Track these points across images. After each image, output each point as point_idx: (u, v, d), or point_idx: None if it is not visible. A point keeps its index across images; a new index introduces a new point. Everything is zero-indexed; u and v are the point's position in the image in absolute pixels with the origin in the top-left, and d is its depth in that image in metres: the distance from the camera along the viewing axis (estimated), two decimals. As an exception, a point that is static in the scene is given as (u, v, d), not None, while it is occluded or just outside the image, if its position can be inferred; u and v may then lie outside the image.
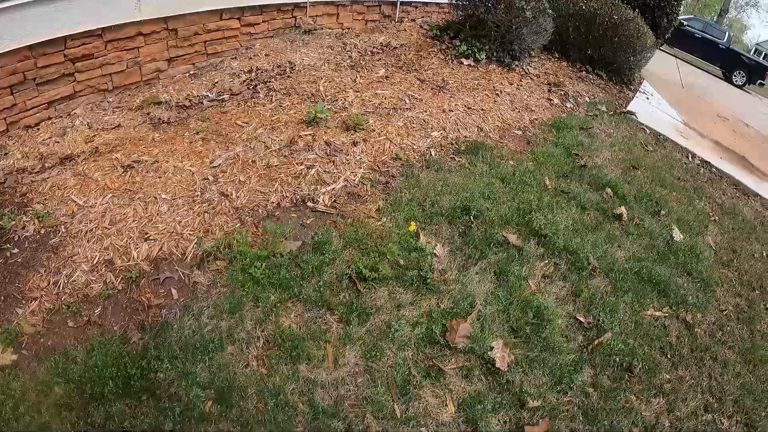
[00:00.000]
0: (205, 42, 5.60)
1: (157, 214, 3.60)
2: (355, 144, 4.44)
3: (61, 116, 4.89)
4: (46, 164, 4.16)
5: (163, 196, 3.74)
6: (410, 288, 3.45)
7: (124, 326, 3.11)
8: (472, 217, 4.02)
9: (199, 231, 3.54)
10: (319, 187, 3.98)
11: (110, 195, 3.75)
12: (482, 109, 5.59)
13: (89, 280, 3.28)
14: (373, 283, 3.41)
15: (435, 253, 3.67)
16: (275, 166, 4.08)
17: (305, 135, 4.44)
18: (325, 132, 4.53)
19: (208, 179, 3.92)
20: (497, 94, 6.04)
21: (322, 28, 6.72)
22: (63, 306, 3.17)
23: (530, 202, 4.36)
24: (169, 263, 3.37)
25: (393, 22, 7.49)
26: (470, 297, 3.45)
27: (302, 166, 4.11)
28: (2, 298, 3.22)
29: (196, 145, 4.29)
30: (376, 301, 3.34)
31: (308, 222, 3.75)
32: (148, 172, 3.96)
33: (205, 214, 3.64)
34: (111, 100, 5.15)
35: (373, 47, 6.55)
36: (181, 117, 4.72)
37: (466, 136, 5.07)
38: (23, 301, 3.20)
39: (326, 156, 4.24)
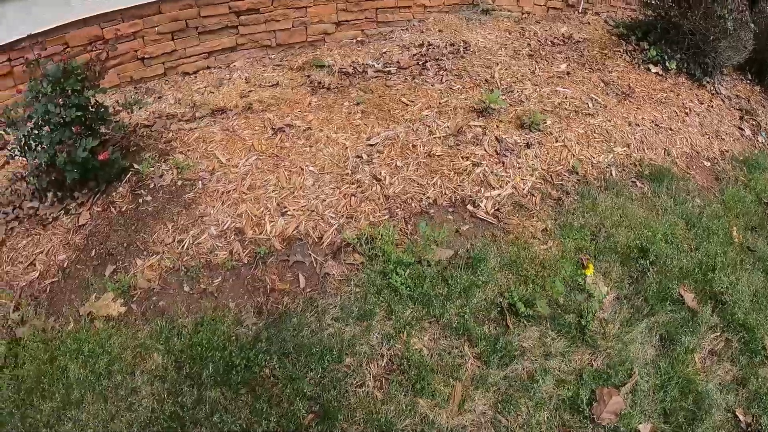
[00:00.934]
0: (377, 9, 5.18)
1: (300, 188, 3.19)
2: (528, 146, 3.77)
3: (220, 67, 4.73)
4: (197, 114, 3.94)
5: (311, 168, 3.33)
6: (565, 335, 2.80)
7: (240, 306, 2.75)
8: (649, 262, 3.25)
9: (342, 215, 3.08)
10: (483, 189, 3.37)
11: (255, 157, 3.41)
12: (670, 129, 4.67)
13: (215, 246, 2.95)
14: (525, 320, 2.79)
15: (602, 300, 2.95)
16: (437, 156, 3.52)
17: (475, 126, 3.84)
18: (497, 126, 3.90)
19: (361, 157, 3.45)
20: (686, 113, 5.07)
21: (500, 9, 6.07)
22: (183, 267, 2.90)
23: (714, 256, 3.47)
24: (302, 245, 2.94)
25: (576, 12, 6.66)
26: (628, 361, 2.76)
27: (468, 162, 3.52)
28: (125, 244, 3.03)
29: (354, 117, 3.85)
30: (523, 341, 2.73)
31: (464, 229, 3.16)
32: (298, 139, 3.58)
33: (352, 197, 3.17)
34: (273, 56, 4.89)
35: (554, 37, 5.79)
36: (342, 84, 4.32)
37: (651, 159, 4.21)
38: (144, 253, 2.98)
39: (495, 154, 3.61)
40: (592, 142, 4.05)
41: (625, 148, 4.16)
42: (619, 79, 5.22)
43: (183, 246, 2.96)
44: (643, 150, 4.26)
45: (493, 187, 3.37)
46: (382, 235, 2.92)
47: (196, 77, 4.58)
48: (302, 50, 4.96)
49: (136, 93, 4.31)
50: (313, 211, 3.06)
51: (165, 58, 4.46)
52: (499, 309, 2.81)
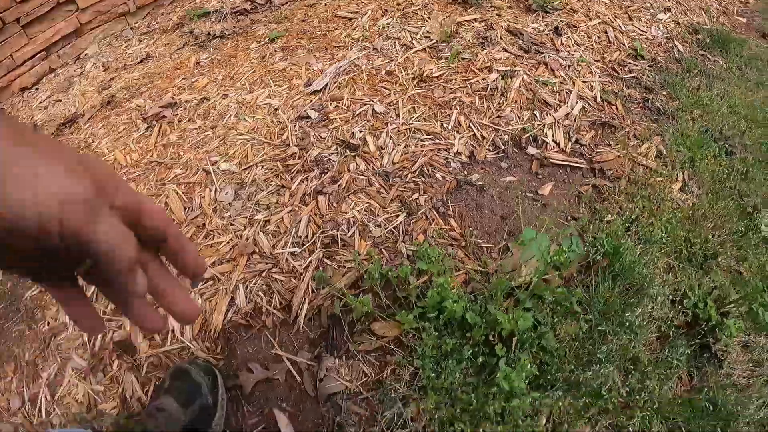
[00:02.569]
0: None
1: (215, 210, 1.66)
2: (558, 32, 2.33)
3: (68, 63, 3.17)
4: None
5: (222, 164, 1.80)
6: None
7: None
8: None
9: (306, 238, 1.56)
10: (536, 114, 1.89)
11: (122, 177, 1.89)
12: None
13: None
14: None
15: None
16: (438, 78, 2.00)
17: (467, 21, 2.33)
18: (498, 15, 2.41)
19: (308, 117, 1.92)
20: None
21: None
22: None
23: None
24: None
25: None
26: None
27: (494, 75, 2.01)
28: None
29: (272, 59, 2.32)
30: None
31: (545, 193, 1.66)
32: (189, 122, 2.04)
33: (319, 197, 1.63)
34: (137, 25, 3.33)
35: None
36: (241, 26, 2.79)
37: (698, 22, 3.06)
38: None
39: (524, 54, 2.13)
40: (629, 12, 2.74)
41: (668, 14, 2.97)
42: None
43: None
44: (685, 13, 3.11)
45: (550, 105, 1.90)
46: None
47: (38, 89, 3.03)
48: (176, 4, 3.41)
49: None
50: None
51: (-13, 77, 2.90)
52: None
